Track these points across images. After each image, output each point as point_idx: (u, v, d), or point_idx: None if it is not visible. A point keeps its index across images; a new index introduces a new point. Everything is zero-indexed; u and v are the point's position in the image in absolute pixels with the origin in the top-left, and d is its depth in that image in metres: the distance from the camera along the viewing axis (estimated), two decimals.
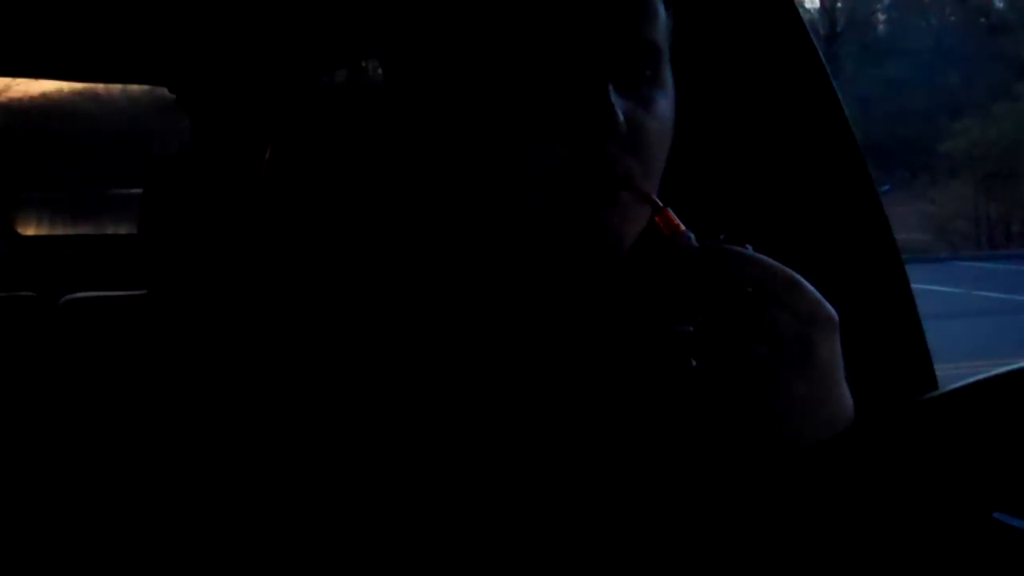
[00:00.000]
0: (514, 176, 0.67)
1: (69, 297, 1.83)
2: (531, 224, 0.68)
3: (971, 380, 1.07)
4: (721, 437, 0.66)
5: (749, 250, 0.63)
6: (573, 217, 0.67)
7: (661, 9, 0.71)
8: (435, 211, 0.74)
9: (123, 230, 2.76)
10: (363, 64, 2.21)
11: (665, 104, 0.71)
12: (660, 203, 0.66)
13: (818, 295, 0.63)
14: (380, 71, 0.78)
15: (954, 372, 1.21)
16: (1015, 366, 1.03)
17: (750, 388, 0.61)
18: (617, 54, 0.67)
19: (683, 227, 0.65)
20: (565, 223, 0.67)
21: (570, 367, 0.71)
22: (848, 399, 0.66)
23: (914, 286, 1.21)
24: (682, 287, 0.63)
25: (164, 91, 2.56)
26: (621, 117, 0.65)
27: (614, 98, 0.66)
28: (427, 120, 0.71)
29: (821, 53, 1.19)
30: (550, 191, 0.67)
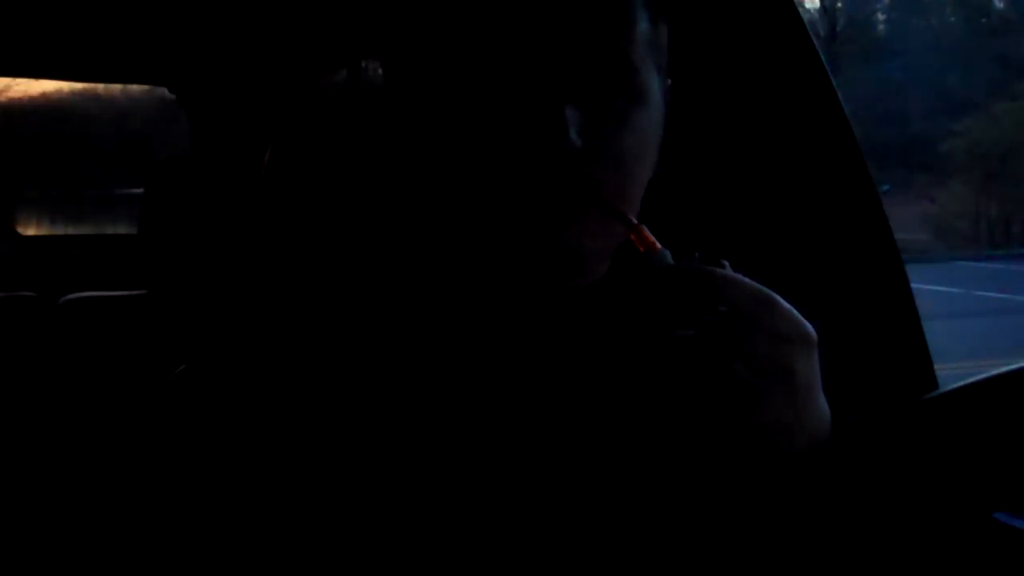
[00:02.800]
0: (482, 181, 0.67)
1: (69, 297, 1.83)
2: (490, 234, 0.68)
3: (971, 380, 1.07)
4: (707, 446, 0.66)
5: (726, 268, 0.63)
6: (528, 230, 0.66)
7: (641, 21, 0.70)
8: (427, 211, 0.74)
9: (123, 230, 2.77)
10: (363, 64, 2.21)
11: (644, 118, 0.69)
12: (634, 220, 0.65)
13: (795, 313, 0.63)
14: (380, 71, 0.78)
15: (954, 372, 1.22)
16: (1015, 366, 1.03)
17: (727, 406, 0.61)
18: (584, 71, 0.67)
19: (658, 245, 0.64)
20: (520, 236, 0.67)
21: (557, 373, 0.71)
22: (826, 413, 0.66)
23: (914, 286, 1.21)
24: (658, 305, 0.63)
25: (164, 91, 2.56)
26: (574, 132, 0.65)
27: (574, 113, 0.65)
28: (421, 120, 0.71)
29: (821, 53, 1.19)
30: (505, 203, 0.66)
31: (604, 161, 0.66)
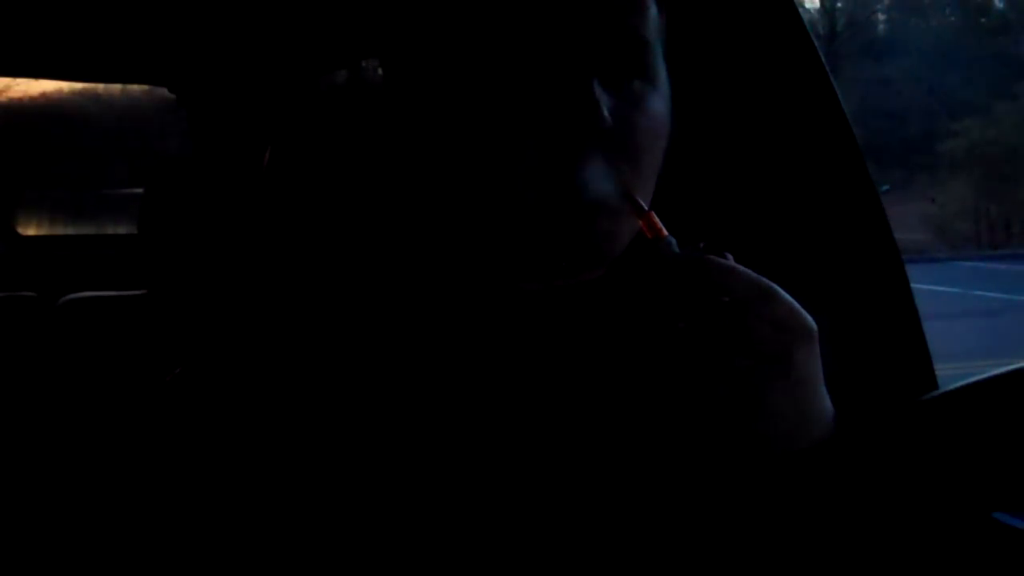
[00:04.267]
0: (501, 175, 0.66)
1: (69, 297, 1.83)
2: (518, 223, 0.67)
3: (971, 380, 1.07)
4: (707, 440, 0.66)
5: (728, 259, 0.63)
6: (558, 217, 0.66)
7: (652, 4, 0.70)
8: (431, 210, 0.74)
9: (123, 230, 2.76)
10: (363, 64, 2.21)
11: (658, 102, 0.69)
12: (644, 206, 0.65)
13: (795, 305, 0.63)
14: (380, 71, 0.78)
15: (954, 372, 1.21)
16: (1015, 366, 1.03)
17: (727, 397, 0.61)
18: (604, 50, 0.66)
19: (665, 232, 0.64)
20: (550, 223, 0.66)
21: (564, 365, 0.71)
22: (828, 408, 0.65)
23: (914, 286, 1.21)
24: (662, 293, 0.63)
25: (164, 91, 2.56)
26: (606, 114, 0.64)
27: (600, 95, 0.65)
28: (424, 119, 0.71)
29: (821, 53, 1.19)
30: (534, 190, 0.66)
31: (623, 144, 0.66)
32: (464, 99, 0.67)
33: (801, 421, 0.63)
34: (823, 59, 1.18)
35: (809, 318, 0.63)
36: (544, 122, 0.65)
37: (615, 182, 0.66)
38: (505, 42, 0.66)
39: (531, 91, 0.65)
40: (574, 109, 0.64)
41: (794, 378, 0.62)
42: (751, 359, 0.61)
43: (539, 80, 0.65)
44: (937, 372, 1.19)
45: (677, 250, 0.64)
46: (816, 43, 1.19)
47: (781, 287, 0.63)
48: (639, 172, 0.68)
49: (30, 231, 3.24)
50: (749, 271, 0.62)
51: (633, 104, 0.67)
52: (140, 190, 1.86)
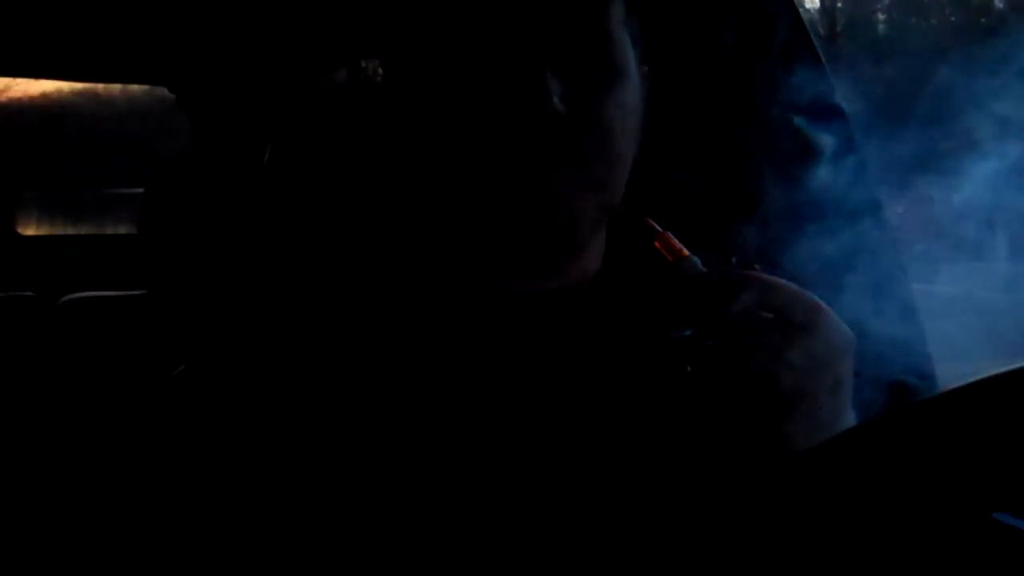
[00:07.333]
0: (469, 172, 0.67)
1: (69, 297, 1.83)
2: (485, 221, 0.67)
3: (971, 380, 1.07)
4: (717, 444, 0.66)
5: (766, 274, 0.63)
6: (514, 202, 0.66)
7: (617, 1, 0.70)
8: (421, 209, 0.74)
9: (123, 230, 2.76)
10: (363, 64, 2.21)
11: (623, 91, 0.70)
12: (659, 228, 0.65)
13: (838, 319, 0.62)
14: (380, 71, 0.78)
15: (954, 372, 1.21)
16: (1015, 366, 1.03)
17: (772, 411, 0.61)
18: (561, 42, 0.67)
19: (686, 251, 0.64)
20: (507, 208, 0.66)
21: (566, 371, 0.71)
22: (851, 420, 0.66)
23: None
24: (693, 313, 0.62)
25: (164, 91, 2.56)
26: (557, 101, 0.64)
27: (555, 80, 0.65)
28: (416, 118, 0.71)
29: (821, 53, 1.19)
30: (489, 177, 0.66)
31: (587, 132, 0.66)
32: (442, 97, 0.68)
33: (829, 432, 0.63)
34: (823, 59, 1.19)
35: (850, 332, 0.62)
36: (497, 115, 0.65)
37: (571, 163, 0.66)
38: (469, 40, 0.66)
39: (487, 86, 0.66)
40: (522, 98, 0.64)
41: (838, 394, 0.62)
42: (801, 376, 0.60)
43: (493, 74, 0.65)
44: (937, 372, 1.19)
45: (703, 268, 0.63)
46: (816, 43, 1.19)
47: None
48: (604, 154, 0.68)
49: (30, 231, 3.24)
50: (794, 286, 0.62)
51: (596, 92, 0.67)
52: (140, 190, 1.86)
